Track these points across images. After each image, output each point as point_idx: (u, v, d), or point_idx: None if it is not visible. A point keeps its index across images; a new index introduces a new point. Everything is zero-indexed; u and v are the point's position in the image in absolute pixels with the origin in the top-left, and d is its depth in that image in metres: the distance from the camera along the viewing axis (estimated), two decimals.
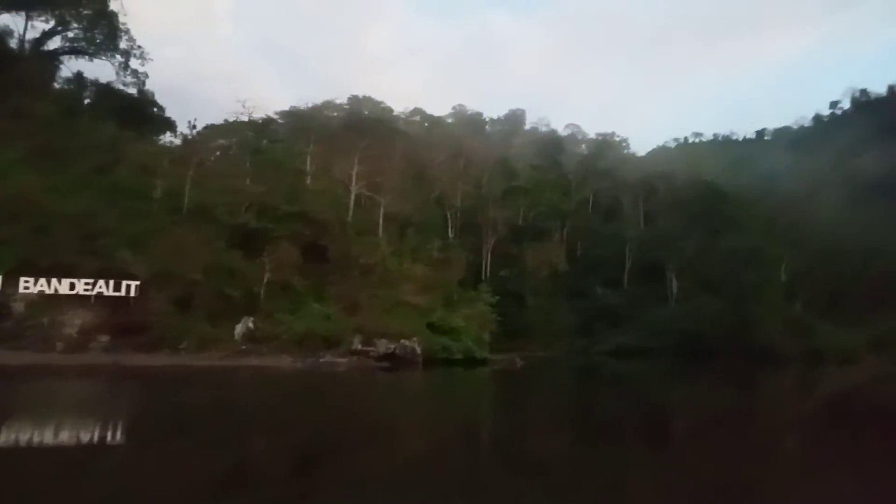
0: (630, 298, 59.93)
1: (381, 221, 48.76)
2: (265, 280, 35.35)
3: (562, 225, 67.16)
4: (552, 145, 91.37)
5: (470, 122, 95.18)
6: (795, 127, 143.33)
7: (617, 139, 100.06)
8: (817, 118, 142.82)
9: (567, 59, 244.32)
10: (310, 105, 78.16)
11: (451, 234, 61.54)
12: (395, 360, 32.26)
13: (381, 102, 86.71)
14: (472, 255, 58.63)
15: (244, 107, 59.94)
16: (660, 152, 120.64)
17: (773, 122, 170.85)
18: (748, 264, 55.17)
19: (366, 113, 75.39)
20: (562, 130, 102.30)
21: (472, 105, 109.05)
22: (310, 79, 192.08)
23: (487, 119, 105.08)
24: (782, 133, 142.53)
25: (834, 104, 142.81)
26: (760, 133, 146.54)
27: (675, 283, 60.34)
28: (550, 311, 56.37)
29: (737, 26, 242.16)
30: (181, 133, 57.17)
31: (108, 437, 11.78)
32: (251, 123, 61.70)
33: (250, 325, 32.42)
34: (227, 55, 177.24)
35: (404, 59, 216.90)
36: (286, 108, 78.41)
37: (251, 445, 11.57)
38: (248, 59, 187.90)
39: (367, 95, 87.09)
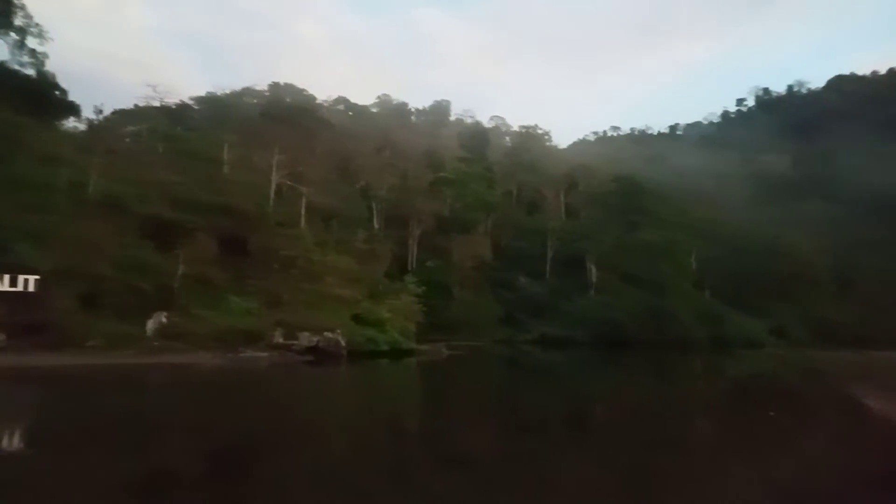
0: (552, 289, 61.47)
1: (303, 213, 47.66)
2: (180, 273, 33.81)
3: (487, 217, 67.89)
4: (477, 137, 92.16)
5: (395, 113, 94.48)
6: (705, 122, 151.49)
7: (540, 132, 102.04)
8: (725, 115, 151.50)
9: (491, 53, 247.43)
10: (228, 92, 75.26)
11: (376, 226, 60.96)
12: (318, 354, 31.62)
13: (303, 90, 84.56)
14: (398, 246, 58.37)
15: (156, 91, 56.88)
16: (580, 145, 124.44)
17: (685, 118, 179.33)
18: (662, 256, 57.75)
19: (287, 101, 73.21)
20: (486, 122, 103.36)
21: (398, 95, 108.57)
22: (228, 66, 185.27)
23: (413, 110, 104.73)
24: (693, 128, 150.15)
25: (740, 101, 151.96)
26: (673, 128, 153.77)
27: (594, 274, 62.37)
28: (476, 302, 56.98)
29: (654, 27, 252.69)
30: (86, 119, 53.60)
31: (3, 445, 10.90)
32: (164, 109, 58.60)
33: (163, 320, 30.88)
34: (138, 38, 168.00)
35: (328, 47, 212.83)
36: (202, 94, 75.15)
37: (164, 449, 10.95)
38: (162, 43, 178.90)
39: (289, 83, 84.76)
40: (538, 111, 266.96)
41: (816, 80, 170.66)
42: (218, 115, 59.15)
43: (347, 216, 54.46)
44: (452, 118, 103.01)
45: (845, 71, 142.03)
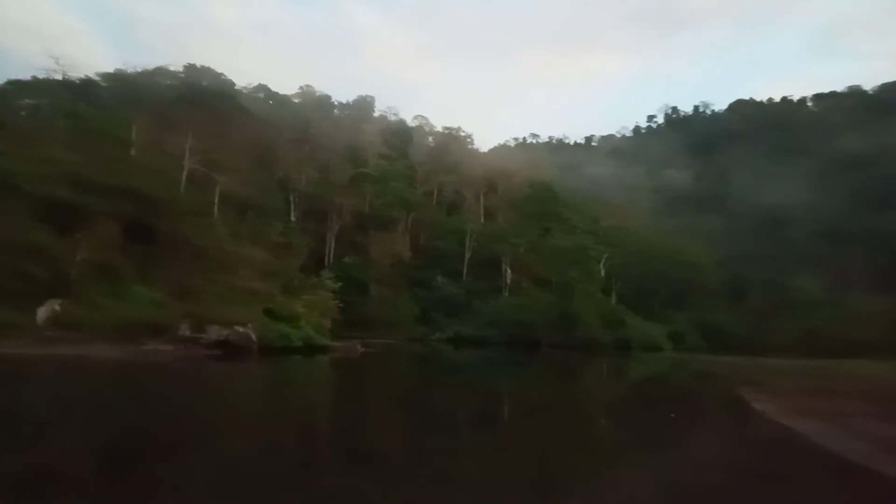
0: (468, 289, 62.41)
1: (217, 201, 45.90)
2: (78, 259, 31.67)
3: (407, 215, 67.98)
4: (400, 135, 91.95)
5: (318, 105, 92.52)
6: (618, 136, 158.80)
7: (462, 134, 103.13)
8: (636, 129, 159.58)
9: (418, 53, 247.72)
10: (139, 70, 71.07)
11: (293, 219, 59.63)
12: (228, 348, 30.49)
13: (221, 74, 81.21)
14: (316, 241, 57.40)
15: (58, 64, 52.96)
16: (501, 150, 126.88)
17: (600, 130, 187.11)
18: (573, 261, 59.95)
19: (204, 84, 70.14)
20: (410, 121, 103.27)
21: (321, 87, 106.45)
22: (139, 43, 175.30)
23: (336, 103, 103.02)
24: (607, 140, 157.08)
25: (650, 118, 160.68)
26: (589, 139, 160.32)
27: (509, 276, 63.88)
28: (392, 300, 56.95)
29: (575, 40, 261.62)
30: None
31: None
32: (67, 84, 54.69)
33: (57, 308, 28.80)
34: (38, 5, 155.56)
35: (248, 31, 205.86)
36: (111, 70, 70.54)
37: (47, 447, 10.21)
38: (64, 12, 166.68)
39: (206, 66, 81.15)
40: (462, 114, 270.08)
41: (720, 102, 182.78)
42: (127, 94, 55.76)
43: (264, 207, 52.91)
44: (376, 114, 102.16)
45: (746, 96, 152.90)
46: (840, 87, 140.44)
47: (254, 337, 31.89)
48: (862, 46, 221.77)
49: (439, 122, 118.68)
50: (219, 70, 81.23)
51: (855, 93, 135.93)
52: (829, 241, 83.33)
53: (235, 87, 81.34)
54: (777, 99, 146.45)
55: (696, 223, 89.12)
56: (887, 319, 53.03)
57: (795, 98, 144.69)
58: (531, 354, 47.52)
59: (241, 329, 31.72)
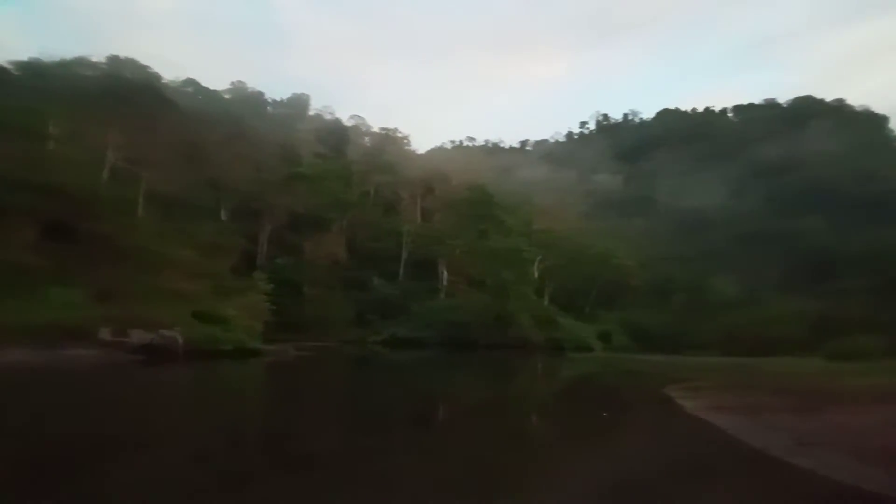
0: (405, 291, 62.31)
1: (141, 199, 43.95)
2: None
3: (343, 215, 67.17)
4: (336, 134, 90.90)
5: (250, 101, 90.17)
6: (552, 141, 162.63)
7: (400, 135, 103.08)
8: (569, 135, 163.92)
9: (355, 51, 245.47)
10: (57, 60, 67.09)
11: (224, 218, 57.82)
12: (153, 353, 29.16)
13: (147, 67, 77.73)
14: (248, 241, 55.91)
15: None
16: (438, 152, 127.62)
17: (535, 135, 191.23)
18: (507, 263, 60.89)
19: (128, 76, 66.96)
20: (346, 121, 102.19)
21: (255, 84, 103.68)
22: (55, 32, 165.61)
23: (270, 100, 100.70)
24: (541, 145, 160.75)
25: (583, 124, 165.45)
26: (524, 143, 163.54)
27: (445, 278, 64.20)
28: (327, 302, 56.13)
29: (513, 45, 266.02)
30: None
31: None
32: None
33: None
34: None
35: (176, 23, 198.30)
36: (25, 59, 66.27)
37: None
38: None
39: (131, 57, 77.48)
40: (399, 115, 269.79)
41: (649, 110, 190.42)
42: (44, 85, 52.45)
43: (192, 206, 51.06)
44: (311, 113, 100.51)
45: (672, 105, 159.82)
46: (758, 99, 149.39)
47: (181, 340, 30.63)
48: (779, 61, 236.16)
49: (376, 123, 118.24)
50: (144, 62, 77.70)
51: (771, 105, 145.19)
52: (745, 244, 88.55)
53: (162, 81, 78.06)
54: (700, 109, 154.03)
55: (623, 226, 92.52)
56: (800, 318, 56.49)
57: (717, 108, 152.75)
58: (467, 355, 47.91)
59: (167, 332, 30.42)
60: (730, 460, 10.86)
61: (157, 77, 77.34)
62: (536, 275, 66.35)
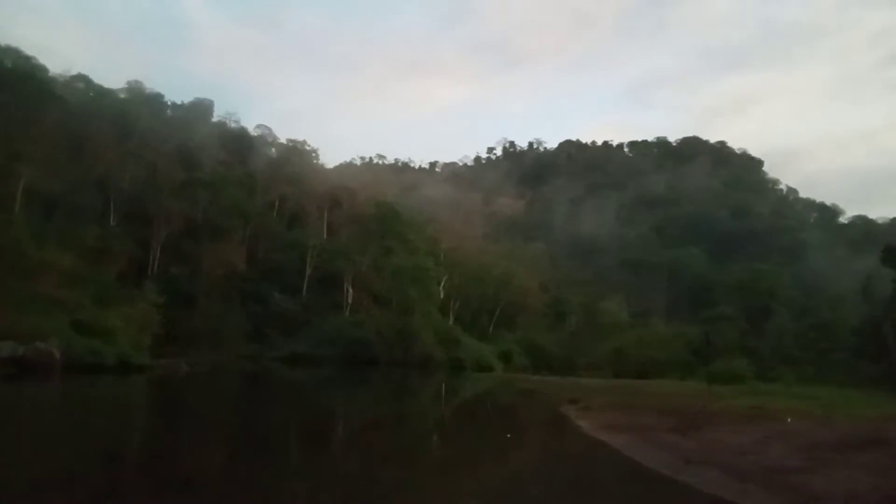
0: (307, 306, 60.72)
1: (19, 196, 40.27)
2: None
3: (245, 225, 64.65)
4: (241, 142, 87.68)
5: (147, 102, 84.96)
6: (460, 164, 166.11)
7: (308, 148, 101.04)
8: (477, 159, 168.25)
9: (264, 60, 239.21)
10: None
11: (112, 222, 53.99)
12: (24, 367, 26.57)
13: (31, 57, 71.50)
14: (139, 248, 52.45)
15: None
16: (347, 168, 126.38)
17: (444, 157, 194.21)
18: (412, 281, 60.98)
19: (8, 65, 61.35)
20: (252, 130, 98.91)
21: (153, 85, 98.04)
22: None
23: (169, 102, 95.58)
24: (449, 166, 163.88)
25: (490, 149, 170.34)
26: (433, 164, 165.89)
27: (350, 294, 63.28)
28: (223, 315, 53.46)
29: (424, 68, 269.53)
30: None
31: None
32: None
33: None
34: None
35: (67, 12, 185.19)
36: None
37: None
38: None
39: (13, 46, 71.02)
40: (308, 128, 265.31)
41: (552, 139, 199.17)
42: None
43: (76, 207, 47.36)
44: (214, 119, 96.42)
45: (574, 136, 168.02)
46: (651, 136, 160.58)
47: (57, 353, 28.14)
48: (670, 102, 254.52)
49: (284, 134, 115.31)
50: (28, 52, 71.46)
51: (662, 142, 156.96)
52: (634, 269, 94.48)
53: (49, 74, 72.07)
54: (599, 142, 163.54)
55: (524, 248, 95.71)
56: (682, 342, 60.38)
57: (614, 143, 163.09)
58: (368, 372, 47.30)
59: (42, 345, 27.83)
60: (624, 478, 11.38)
61: (42, 69, 71.20)
62: (443, 294, 66.84)
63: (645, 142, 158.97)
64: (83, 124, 56.49)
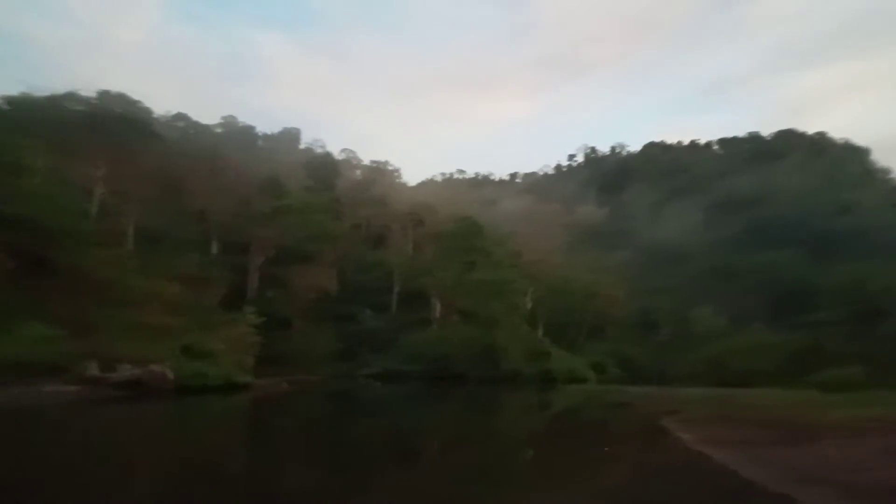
0: (396, 324, 61.83)
1: (130, 232, 43.59)
2: None
3: (333, 248, 66.98)
4: (326, 168, 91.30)
5: (240, 135, 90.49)
6: (541, 173, 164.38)
7: (390, 168, 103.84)
8: (558, 167, 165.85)
9: (346, 87, 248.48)
10: (47, 95, 67.08)
11: (214, 251, 57.44)
12: (140, 388, 28.58)
13: (137, 101, 78.01)
14: (237, 275, 55.46)
15: None
16: (428, 185, 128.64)
17: (524, 167, 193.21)
18: (496, 295, 60.75)
19: (118, 111, 67.04)
20: (337, 154, 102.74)
21: (245, 118, 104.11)
22: (45, 66, 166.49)
23: (260, 134, 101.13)
24: (530, 177, 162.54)
25: (571, 157, 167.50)
26: (513, 175, 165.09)
27: (438, 310, 63.89)
28: (317, 335, 55.53)
29: (497, 83, 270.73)
30: None
31: None
32: None
33: None
34: None
35: (166, 60, 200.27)
36: (14, 94, 66.16)
37: None
38: None
39: (122, 92, 77.72)
40: (390, 148, 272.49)
41: (635, 143, 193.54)
42: (31, 118, 52.28)
43: (180, 239, 50.74)
44: (302, 147, 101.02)
45: (658, 138, 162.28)
46: (742, 132, 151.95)
47: (170, 375, 30.10)
48: (759, 96, 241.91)
49: (367, 156, 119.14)
50: (135, 97, 77.96)
51: (754, 138, 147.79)
52: (724, 276, 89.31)
53: (153, 115, 78.26)
54: (686, 142, 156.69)
55: (606, 258, 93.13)
56: (780, 350, 56.65)
57: (702, 142, 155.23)
58: (456, 388, 47.38)
59: (155, 368, 29.86)
60: (730, 495, 10.73)
61: (147, 111, 77.53)
62: (530, 306, 66.17)
63: (736, 138, 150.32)
64: (183, 160, 60.69)
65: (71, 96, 69.63)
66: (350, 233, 73.69)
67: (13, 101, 62.83)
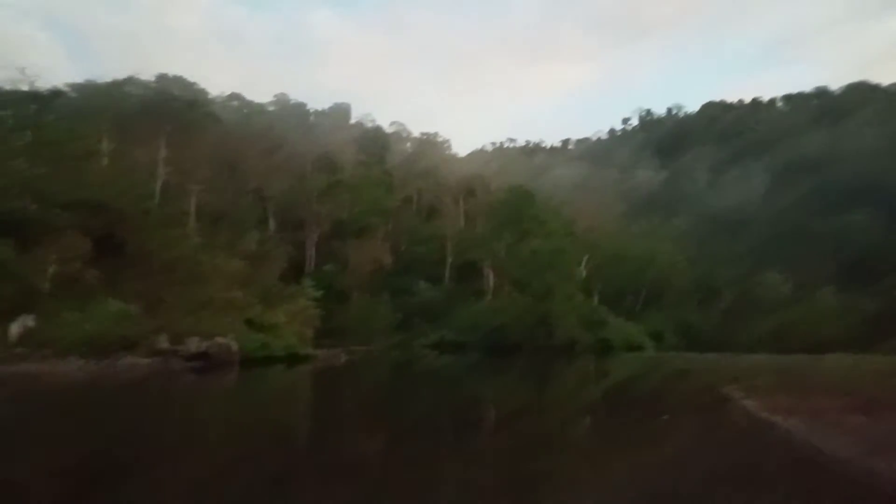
0: (450, 295, 62.28)
1: (193, 212, 45.16)
2: (49, 274, 30.90)
3: (386, 221, 67.73)
4: (377, 142, 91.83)
5: (293, 112, 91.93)
6: (594, 139, 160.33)
7: (440, 140, 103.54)
8: (612, 132, 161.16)
9: (393, 60, 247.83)
10: (109, 81, 69.75)
11: (271, 228, 59.00)
12: (208, 360, 29.95)
13: (193, 84, 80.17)
14: (296, 249, 56.91)
15: (24, 75, 51.49)
16: (478, 155, 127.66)
17: (577, 134, 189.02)
18: (550, 264, 60.16)
19: (176, 93, 69.07)
20: (387, 128, 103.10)
21: (296, 96, 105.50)
22: (101, 54, 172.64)
23: (312, 111, 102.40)
24: (582, 143, 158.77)
25: (626, 121, 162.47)
26: (565, 142, 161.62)
27: (491, 281, 63.93)
28: (373, 307, 56.60)
29: (548, 48, 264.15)
30: None
31: None
32: (32, 95, 53.24)
33: (30, 323, 28.02)
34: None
35: (216, 42, 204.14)
36: (79, 81, 69.11)
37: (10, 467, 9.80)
38: (26, 23, 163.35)
39: (178, 75, 80.00)
40: (440, 120, 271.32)
41: (693, 104, 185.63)
42: (96, 105, 54.48)
43: (239, 217, 52.27)
44: (352, 121, 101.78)
45: (718, 98, 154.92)
46: (809, 87, 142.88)
47: (235, 348, 31.38)
48: (826, 50, 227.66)
49: (417, 129, 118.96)
50: (191, 80, 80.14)
51: (822, 93, 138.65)
52: (792, 240, 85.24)
53: (209, 97, 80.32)
54: (748, 100, 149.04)
55: (664, 224, 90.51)
56: (853, 316, 54.19)
57: (765, 99, 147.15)
58: (512, 358, 47.52)
59: (221, 340, 31.18)
60: (802, 465, 10.41)
61: (203, 93, 79.68)
62: (584, 275, 65.35)
63: (801, 94, 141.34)
64: (239, 140, 62.22)
65: (131, 81, 72.16)
66: (402, 206, 74.19)
67: (79, 89, 65.63)
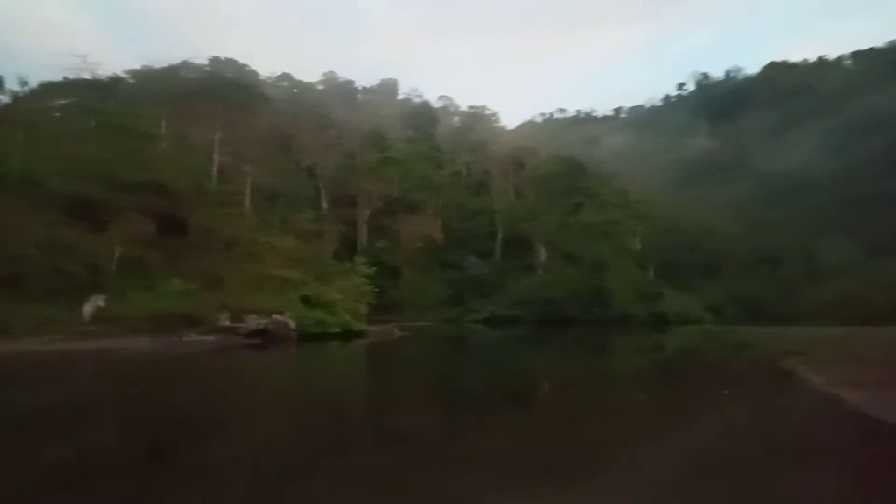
0: (501, 269, 62.23)
1: (248, 192, 46.32)
2: (116, 255, 32.40)
3: (436, 197, 67.83)
4: (425, 116, 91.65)
5: (341, 90, 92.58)
6: (647, 106, 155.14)
7: (488, 112, 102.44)
8: (666, 98, 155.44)
9: (440, 34, 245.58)
10: (165, 65, 71.74)
11: (323, 206, 60.00)
12: (267, 337, 30.96)
13: (245, 65, 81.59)
14: (347, 227, 57.78)
15: (85, 63, 53.66)
16: (527, 127, 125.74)
17: (631, 101, 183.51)
18: (603, 236, 59.21)
19: (228, 76, 70.51)
20: (434, 102, 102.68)
21: (344, 73, 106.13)
22: (160, 39, 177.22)
23: (360, 88, 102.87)
24: (635, 111, 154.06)
25: (681, 86, 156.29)
26: (618, 111, 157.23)
27: (542, 254, 63.44)
28: (425, 282, 57.17)
29: (601, 14, 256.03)
30: (10, 91, 50.42)
31: None
32: (94, 82, 55.43)
33: (101, 303, 29.53)
34: (57, 5, 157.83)
35: (264, 22, 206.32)
36: (136, 67, 71.39)
37: (84, 438, 10.42)
38: (84, 11, 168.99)
39: (230, 57, 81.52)
40: (487, 92, 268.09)
41: (753, 66, 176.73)
42: (153, 89, 56.27)
43: (292, 196, 53.35)
44: (400, 97, 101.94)
45: (781, 58, 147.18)
46: (880, 43, 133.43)
47: (292, 325, 32.28)
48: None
49: (465, 102, 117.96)
50: (242, 62, 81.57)
51: (894, 49, 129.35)
52: (858, 205, 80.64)
53: (259, 77, 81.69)
54: (812, 59, 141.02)
55: (721, 192, 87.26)
56: None
57: (832, 58, 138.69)
58: (565, 331, 47.23)
59: (279, 317, 32.12)
60: (870, 440, 9.98)
61: (254, 74, 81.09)
62: (639, 246, 64.04)
63: (872, 50, 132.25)
64: (290, 119, 63.17)
65: (186, 65, 74.01)
66: (452, 181, 74.07)
67: (136, 74, 67.83)
